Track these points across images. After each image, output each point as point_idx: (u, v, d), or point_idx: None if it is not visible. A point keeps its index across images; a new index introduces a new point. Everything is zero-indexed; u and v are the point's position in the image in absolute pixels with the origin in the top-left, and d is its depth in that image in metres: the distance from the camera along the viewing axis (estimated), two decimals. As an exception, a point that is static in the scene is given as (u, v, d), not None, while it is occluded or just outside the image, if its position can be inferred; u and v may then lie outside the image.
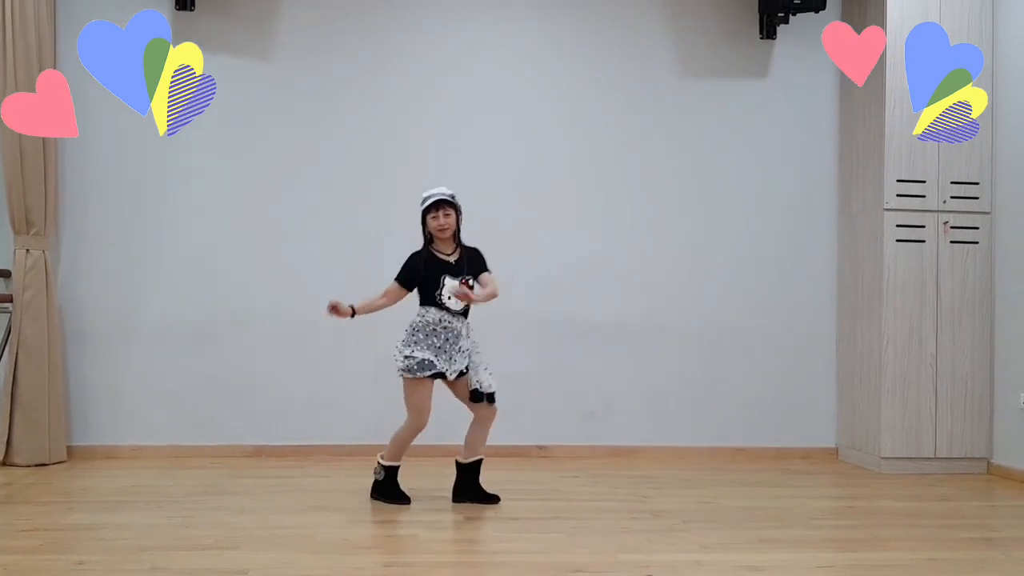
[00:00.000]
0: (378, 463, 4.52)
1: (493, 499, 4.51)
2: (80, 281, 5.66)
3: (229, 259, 5.77)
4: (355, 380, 5.81)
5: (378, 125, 5.89)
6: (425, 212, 4.43)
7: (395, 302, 4.46)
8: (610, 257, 5.99)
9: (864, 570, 3.55)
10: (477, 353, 4.43)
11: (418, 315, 4.38)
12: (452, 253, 4.44)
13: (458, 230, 4.47)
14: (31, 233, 5.34)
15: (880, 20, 5.62)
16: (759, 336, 6.08)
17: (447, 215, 4.39)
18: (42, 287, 5.34)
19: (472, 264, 4.43)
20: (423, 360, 4.26)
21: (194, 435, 5.70)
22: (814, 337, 6.14)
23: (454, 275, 4.34)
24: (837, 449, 6.11)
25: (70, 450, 5.54)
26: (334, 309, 4.40)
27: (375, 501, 4.50)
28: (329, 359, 5.80)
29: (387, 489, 4.50)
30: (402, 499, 4.48)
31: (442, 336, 4.33)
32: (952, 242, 5.65)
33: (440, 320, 4.33)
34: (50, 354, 5.35)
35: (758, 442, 6.05)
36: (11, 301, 5.34)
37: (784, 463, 5.90)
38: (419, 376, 4.27)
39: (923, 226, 5.63)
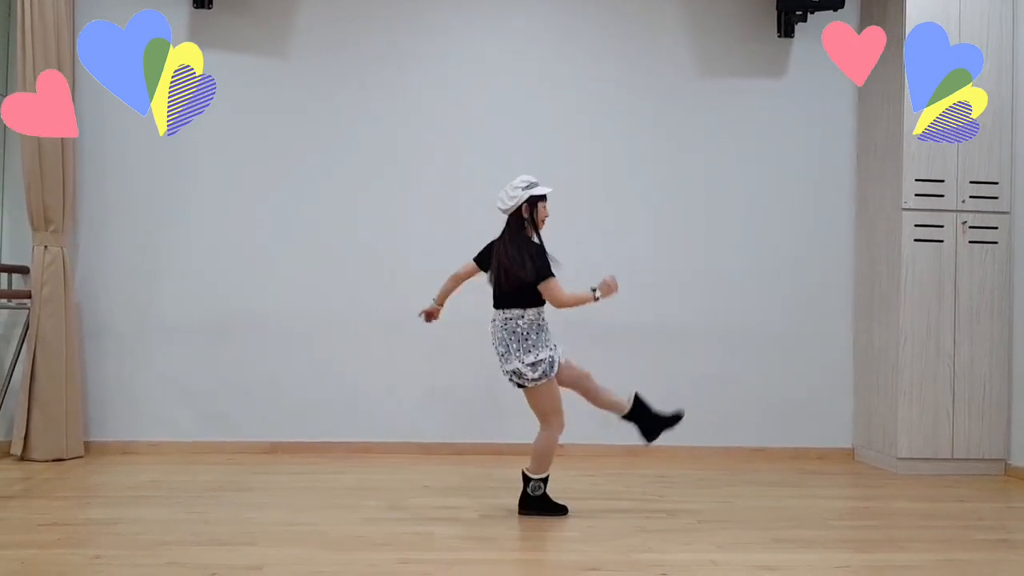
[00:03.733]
0: (533, 480, 4.25)
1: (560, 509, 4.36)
2: (98, 278, 5.70)
3: (247, 257, 5.79)
4: (371, 378, 5.83)
5: (390, 125, 5.89)
6: (538, 199, 4.25)
7: None
8: (625, 257, 5.97)
9: (880, 571, 3.54)
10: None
11: (524, 318, 4.15)
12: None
13: None
14: (49, 230, 5.37)
15: (899, 19, 5.59)
16: (775, 336, 6.06)
17: None
18: (60, 284, 5.37)
19: None
20: (549, 358, 4.11)
21: (210, 431, 5.73)
22: (831, 337, 6.12)
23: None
24: (853, 449, 6.09)
25: (87, 445, 5.57)
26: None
27: (531, 515, 4.26)
28: (345, 357, 5.81)
29: (544, 501, 4.28)
30: (560, 509, 4.30)
31: (546, 329, 4.20)
32: (971, 242, 5.61)
33: (544, 317, 4.22)
34: (67, 350, 5.39)
35: (774, 442, 6.03)
36: (29, 297, 5.38)
37: (800, 463, 5.88)
38: (552, 377, 4.13)
39: (941, 226, 5.60)
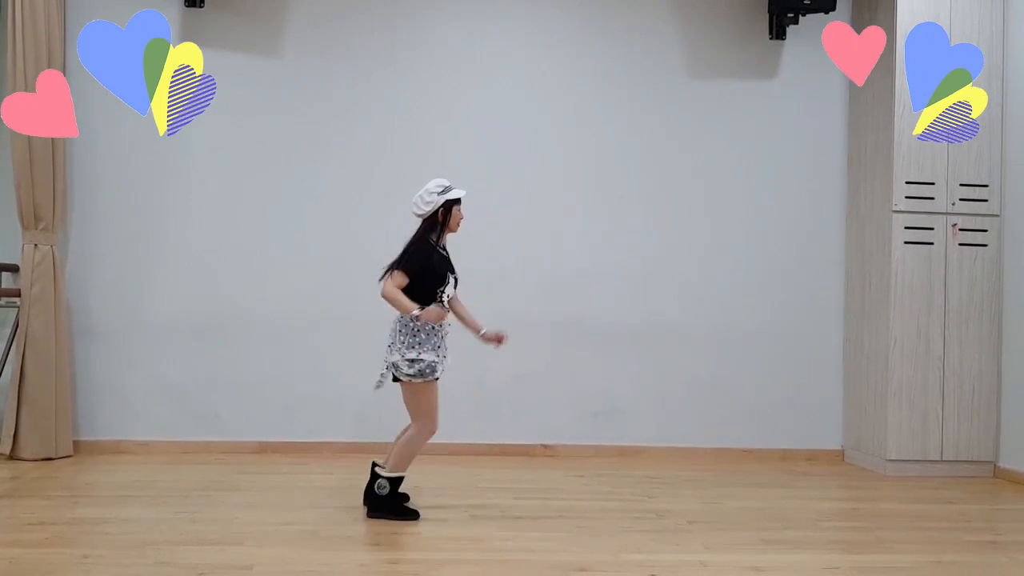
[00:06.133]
0: (382, 477, 4.16)
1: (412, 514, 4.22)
2: (88, 276, 5.68)
3: (236, 256, 5.78)
4: (359, 377, 5.80)
5: (384, 123, 5.89)
6: (453, 202, 4.22)
7: None
8: (616, 257, 5.98)
9: (868, 572, 3.54)
10: None
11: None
12: (445, 250, 4.30)
13: None
14: (39, 228, 5.35)
15: (890, 21, 5.60)
16: (765, 337, 6.07)
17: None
18: (50, 282, 5.35)
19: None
20: (431, 363, 4.08)
21: (199, 431, 5.72)
22: (821, 339, 6.13)
23: (452, 274, 4.24)
24: (843, 451, 6.10)
25: (76, 444, 5.55)
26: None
27: (380, 519, 4.12)
28: (333, 356, 5.80)
29: (394, 503, 4.18)
30: (411, 514, 4.18)
31: (439, 335, 4.15)
32: (960, 244, 5.63)
33: (444, 327, 4.18)
34: (57, 349, 5.37)
35: (764, 443, 6.04)
36: (19, 296, 5.36)
37: (789, 465, 5.89)
38: (430, 380, 4.10)
39: (931, 228, 5.61)
